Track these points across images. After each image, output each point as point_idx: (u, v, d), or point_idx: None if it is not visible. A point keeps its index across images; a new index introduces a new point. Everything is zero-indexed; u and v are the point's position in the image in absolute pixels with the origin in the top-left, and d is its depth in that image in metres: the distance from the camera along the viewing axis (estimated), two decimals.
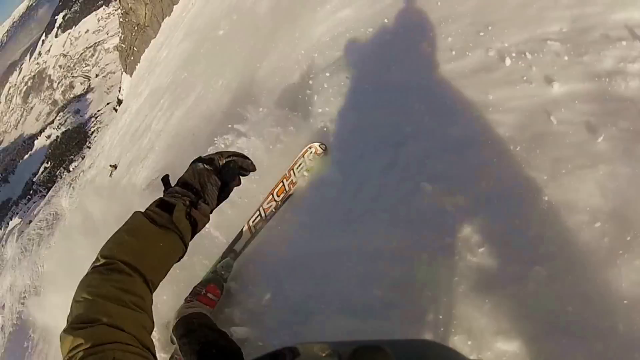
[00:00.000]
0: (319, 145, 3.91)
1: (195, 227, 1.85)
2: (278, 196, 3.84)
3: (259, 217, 3.82)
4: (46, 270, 29.83)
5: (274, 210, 3.84)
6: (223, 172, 1.96)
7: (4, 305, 34.48)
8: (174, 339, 3.05)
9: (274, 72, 7.19)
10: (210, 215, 1.92)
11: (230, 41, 13.29)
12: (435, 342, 1.55)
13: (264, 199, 3.87)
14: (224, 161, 1.99)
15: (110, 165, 25.76)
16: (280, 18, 9.04)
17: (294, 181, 3.86)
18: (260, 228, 3.83)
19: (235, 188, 2.04)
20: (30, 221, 49.79)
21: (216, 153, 2.02)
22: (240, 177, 2.03)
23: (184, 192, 1.85)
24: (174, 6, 61.49)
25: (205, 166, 1.94)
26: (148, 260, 1.63)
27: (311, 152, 3.89)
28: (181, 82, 17.58)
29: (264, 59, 8.33)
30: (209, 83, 11.01)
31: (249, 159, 2.02)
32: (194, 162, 1.98)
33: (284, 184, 3.85)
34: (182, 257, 1.84)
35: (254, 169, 2.05)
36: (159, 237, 1.70)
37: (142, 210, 1.78)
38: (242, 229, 3.83)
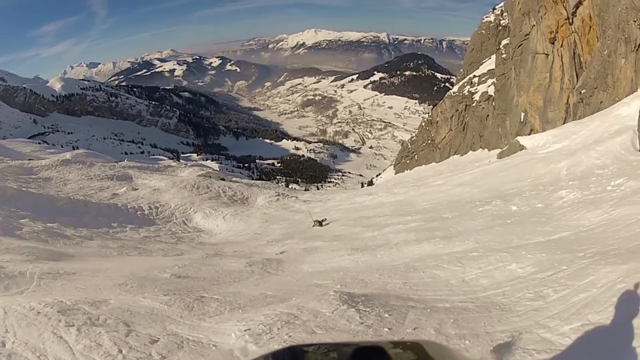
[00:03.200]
0: None
1: None
2: None
3: None
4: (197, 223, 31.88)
5: None
6: None
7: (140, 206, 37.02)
8: None
9: None
10: None
11: (520, 225, 12.63)
12: (435, 342, 1.47)
13: None
14: None
15: (317, 221, 26.10)
16: None
17: None
18: None
19: None
20: (223, 179, 53.54)
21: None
22: None
23: None
24: (470, 151, 63.71)
25: None
26: None
27: None
28: (441, 219, 17.54)
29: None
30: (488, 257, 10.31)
31: None
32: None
33: None
34: None
35: None
36: None
37: None
38: None
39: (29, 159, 44.04)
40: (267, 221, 30.65)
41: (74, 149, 72.37)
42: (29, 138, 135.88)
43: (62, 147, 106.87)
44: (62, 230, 22.27)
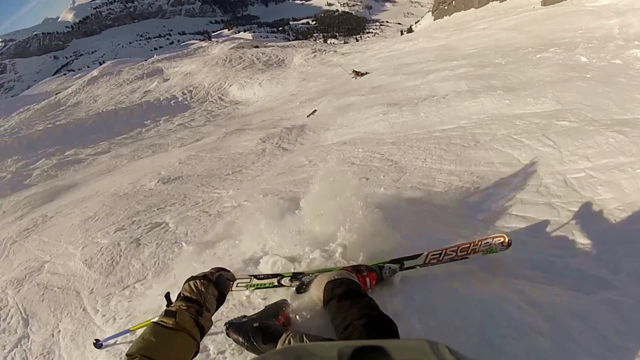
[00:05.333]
0: (508, 240, 3.70)
1: (203, 330, 2.28)
2: (461, 252, 3.78)
3: (437, 256, 3.74)
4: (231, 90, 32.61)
5: (450, 259, 3.77)
6: (218, 284, 2.47)
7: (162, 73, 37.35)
8: (322, 291, 2.99)
9: None
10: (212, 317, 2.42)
11: (607, 84, 8.97)
12: (435, 341, 1.32)
13: (451, 246, 3.79)
14: (216, 275, 2.51)
15: (355, 72, 24.80)
16: None
17: (476, 250, 3.78)
18: (432, 264, 3.74)
19: None
20: (257, 46, 53.06)
21: (207, 272, 2.52)
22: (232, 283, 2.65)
23: (189, 305, 2.28)
24: None
25: (203, 281, 2.42)
26: (164, 356, 2.03)
27: (500, 241, 3.73)
28: (494, 65, 14.89)
29: None
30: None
31: (231, 272, 2.65)
32: (189, 279, 2.45)
33: (470, 247, 3.78)
34: (197, 352, 2.22)
35: (235, 279, 2.70)
36: (170, 337, 2.11)
37: None
38: (421, 253, 3.73)
39: (56, 94, 43.03)
40: (305, 80, 30.17)
41: (100, 64, 69.51)
42: (54, 75, 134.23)
43: (88, 67, 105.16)
44: (77, 155, 21.84)
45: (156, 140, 20.84)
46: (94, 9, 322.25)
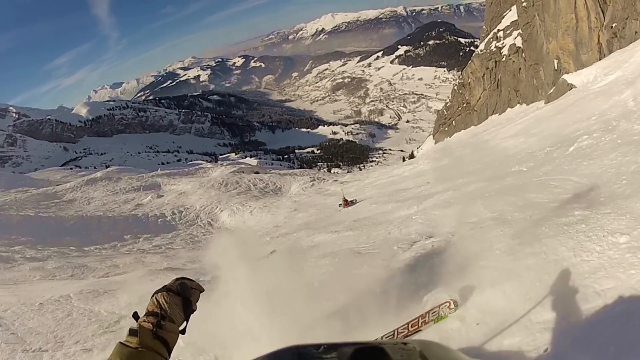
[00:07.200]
0: (454, 303, 4.22)
1: (166, 343, 2.11)
2: (412, 327, 4.23)
3: (391, 336, 4.18)
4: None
5: (404, 336, 4.18)
6: (180, 291, 2.29)
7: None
8: None
9: None
10: (183, 328, 2.27)
11: None
12: (435, 342, 1.44)
13: (402, 325, 4.29)
14: (177, 283, 2.33)
15: (345, 200, 25.06)
16: None
17: (426, 321, 4.22)
18: None
19: None
20: (257, 172, 54.51)
21: (168, 283, 2.34)
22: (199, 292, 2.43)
23: (148, 319, 2.12)
24: (508, 109, 59.06)
25: (163, 293, 2.25)
26: None
27: (446, 306, 4.22)
28: (515, 174, 12.10)
29: None
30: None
31: (194, 281, 2.43)
32: (153, 294, 2.29)
33: (419, 321, 4.26)
34: None
35: (202, 289, 2.45)
36: (136, 358, 1.96)
37: None
38: (377, 338, 4.08)
39: (57, 185, 44.47)
40: (296, 210, 30.00)
41: (106, 167, 72.41)
42: (61, 166, 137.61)
43: (94, 168, 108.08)
44: (17, 253, 21.17)
45: (95, 262, 19.79)
46: (108, 110, 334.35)
